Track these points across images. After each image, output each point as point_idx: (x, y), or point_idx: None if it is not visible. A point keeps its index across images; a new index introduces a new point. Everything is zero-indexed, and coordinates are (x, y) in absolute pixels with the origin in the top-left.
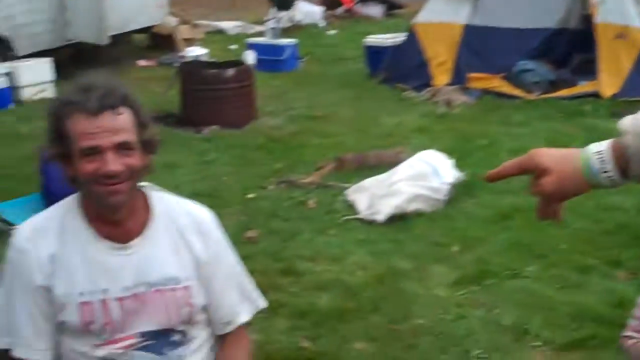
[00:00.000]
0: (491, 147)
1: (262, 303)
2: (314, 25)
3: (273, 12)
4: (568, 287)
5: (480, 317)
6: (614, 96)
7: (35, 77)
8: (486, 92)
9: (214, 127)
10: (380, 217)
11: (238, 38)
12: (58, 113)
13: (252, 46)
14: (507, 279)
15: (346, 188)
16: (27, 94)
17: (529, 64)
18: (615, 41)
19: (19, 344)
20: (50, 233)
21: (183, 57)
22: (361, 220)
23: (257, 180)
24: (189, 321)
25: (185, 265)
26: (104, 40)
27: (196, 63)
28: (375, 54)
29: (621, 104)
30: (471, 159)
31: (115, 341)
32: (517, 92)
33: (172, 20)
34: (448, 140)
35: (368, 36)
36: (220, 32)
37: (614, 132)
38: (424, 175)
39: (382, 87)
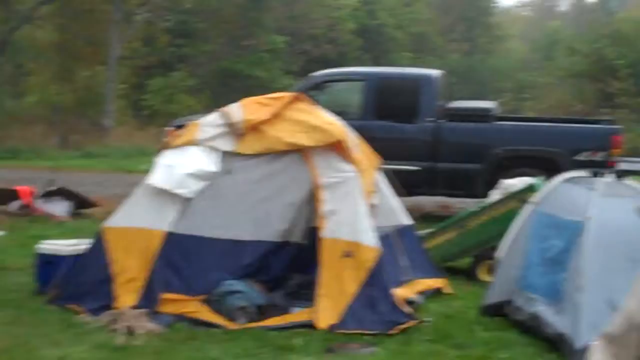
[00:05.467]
0: None
1: None
2: None
3: None
4: None
5: None
6: (332, 328)
7: None
8: (180, 318)
9: None
10: None
11: None
12: None
13: None
14: None
15: None
16: None
17: (236, 285)
18: (342, 260)
19: None
20: None
21: None
22: None
23: None
24: None
25: None
26: None
27: None
28: (47, 265)
29: (339, 338)
30: None
31: None
32: (217, 319)
33: None
34: None
35: (43, 241)
36: None
37: None
38: None
39: (49, 307)
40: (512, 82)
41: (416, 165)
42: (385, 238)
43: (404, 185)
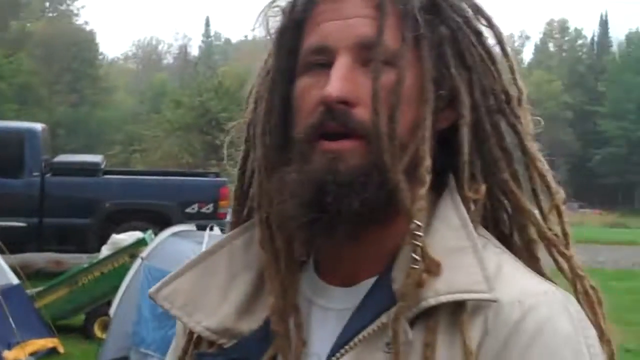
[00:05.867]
0: None
1: None
2: None
3: None
4: None
5: None
6: None
7: None
8: None
9: None
10: None
11: None
12: None
13: None
14: None
15: None
16: None
17: None
18: None
19: None
20: None
21: None
22: None
23: None
24: None
25: None
26: None
27: None
28: None
29: None
30: None
31: None
32: None
33: None
34: None
35: None
36: None
37: None
38: None
39: None
40: (122, 134)
41: (22, 222)
42: None
43: (10, 242)
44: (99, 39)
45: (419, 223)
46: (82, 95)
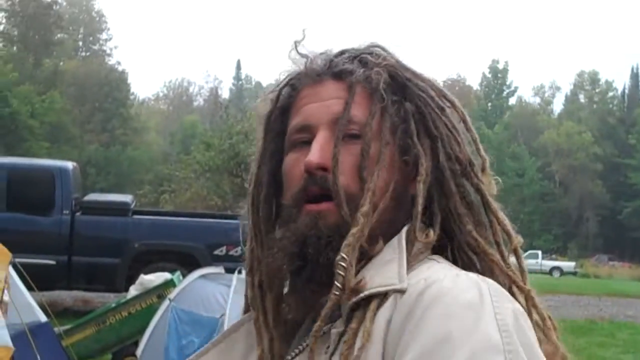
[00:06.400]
0: None
1: None
2: None
3: None
4: None
5: None
6: None
7: None
8: None
9: None
10: None
11: None
12: None
13: None
14: None
15: None
16: None
17: None
18: None
19: None
20: None
21: None
22: None
23: None
24: None
25: None
26: None
27: None
28: None
29: None
30: None
31: None
32: None
33: None
34: None
35: None
36: None
37: None
38: None
39: None
40: (152, 174)
41: (51, 259)
42: (19, 336)
43: (39, 279)
44: (130, 79)
45: (343, 255)
46: (113, 135)
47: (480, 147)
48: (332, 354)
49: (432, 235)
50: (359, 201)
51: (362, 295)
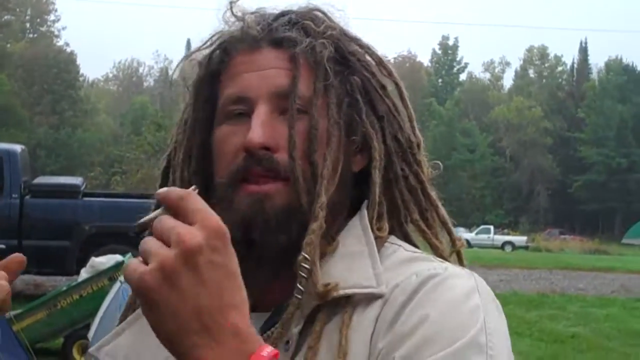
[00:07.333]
0: None
1: None
2: None
3: None
4: None
5: None
6: None
7: None
8: None
9: None
10: None
11: None
12: None
13: None
14: None
15: None
16: None
17: None
18: None
19: None
20: None
21: None
22: None
23: None
24: None
25: None
26: None
27: None
28: None
29: None
30: None
31: None
32: None
33: None
34: None
35: None
36: None
37: None
38: None
39: None
40: (102, 156)
41: (1, 243)
42: None
43: None
44: (79, 60)
45: (306, 256)
46: (63, 117)
47: (416, 125)
48: (294, 355)
49: (386, 227)
50: (312, 187)
51: (335, 295)
